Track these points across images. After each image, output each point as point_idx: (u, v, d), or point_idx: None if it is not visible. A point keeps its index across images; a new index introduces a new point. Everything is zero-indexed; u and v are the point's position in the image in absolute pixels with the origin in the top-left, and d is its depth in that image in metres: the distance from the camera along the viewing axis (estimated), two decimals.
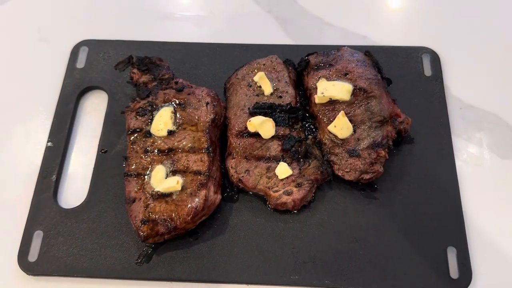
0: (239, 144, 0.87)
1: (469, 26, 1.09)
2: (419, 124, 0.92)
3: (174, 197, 0.80)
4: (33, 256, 0.82)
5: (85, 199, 0.87)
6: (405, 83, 0.98)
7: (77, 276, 0.80)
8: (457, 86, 0.99)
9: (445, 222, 0.83)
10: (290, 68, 0.96)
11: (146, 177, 0.83)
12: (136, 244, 0.82)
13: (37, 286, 0.81)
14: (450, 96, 0.98)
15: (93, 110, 0.98)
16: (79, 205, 0.86)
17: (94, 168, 0.90)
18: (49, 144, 0.93)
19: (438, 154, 0.90)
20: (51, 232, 0.84)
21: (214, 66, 1.01)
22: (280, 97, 0.91)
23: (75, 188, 0.90)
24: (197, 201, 0.79)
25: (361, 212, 0.85)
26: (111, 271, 0.80)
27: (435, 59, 1.01)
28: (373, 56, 0.95)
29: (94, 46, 1.04)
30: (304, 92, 0.96)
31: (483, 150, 0.93)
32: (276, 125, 0.87)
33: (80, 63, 1.02)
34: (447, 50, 1.03)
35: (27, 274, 0.81)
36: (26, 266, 0.81)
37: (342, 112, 0.86)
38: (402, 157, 0.90)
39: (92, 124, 0.97)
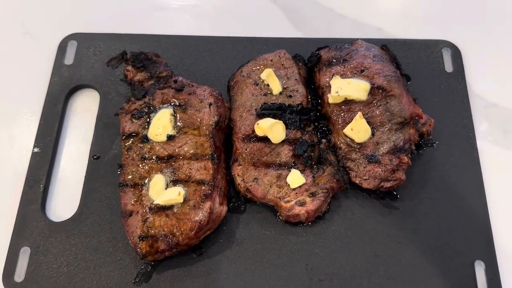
0: (246, 149, 0.80)
1: (492, 18, 1.03)
2: (441, 124, 0.88)
3: (175, 210, 0.74)
4: (19, 276, 0.77)
5: (77, 211, 0.82)
6: (425, 80, 0.93)
7: None
8: (481, 84, 0.94)
9: (472, 233, 0.79)
10: (300, 64, 0.90)
11: (144, 187, 0.77)
12: (133, 262, 0.77)
13: None
14: (473, 95, 0.93)
15: (84, 111, 0.93)
16: (70, 217, 0.82)
17: (86, 176, 0.85)
18: (35, 149, 0.88)
19: (462, 158, 0.85)
20: (39, 248, 0.79)
21: (216, 62, 0.96)
22: (290, 96, 0.84)
23: (65, 199, 0.85)
24: (201, 215, 0.73)
25: (380, 223, 0.80)
26: None
27: (456, 54, 0.95)
28: (391, 50, 0.89)
29: (84, 40, 0.99)
30: (315, 91, 0.89)
31: (510, 153, 0.87)
32: (286, 128, 0.81)
33: (69, 59, 0.97)
34: (469, 44, 0.98)
35: None
36: (12, 286, 0.76)
37: (359, 114, 0.80)
38: (423, 162, 0.85)
39: (83, 127, 0.92)
